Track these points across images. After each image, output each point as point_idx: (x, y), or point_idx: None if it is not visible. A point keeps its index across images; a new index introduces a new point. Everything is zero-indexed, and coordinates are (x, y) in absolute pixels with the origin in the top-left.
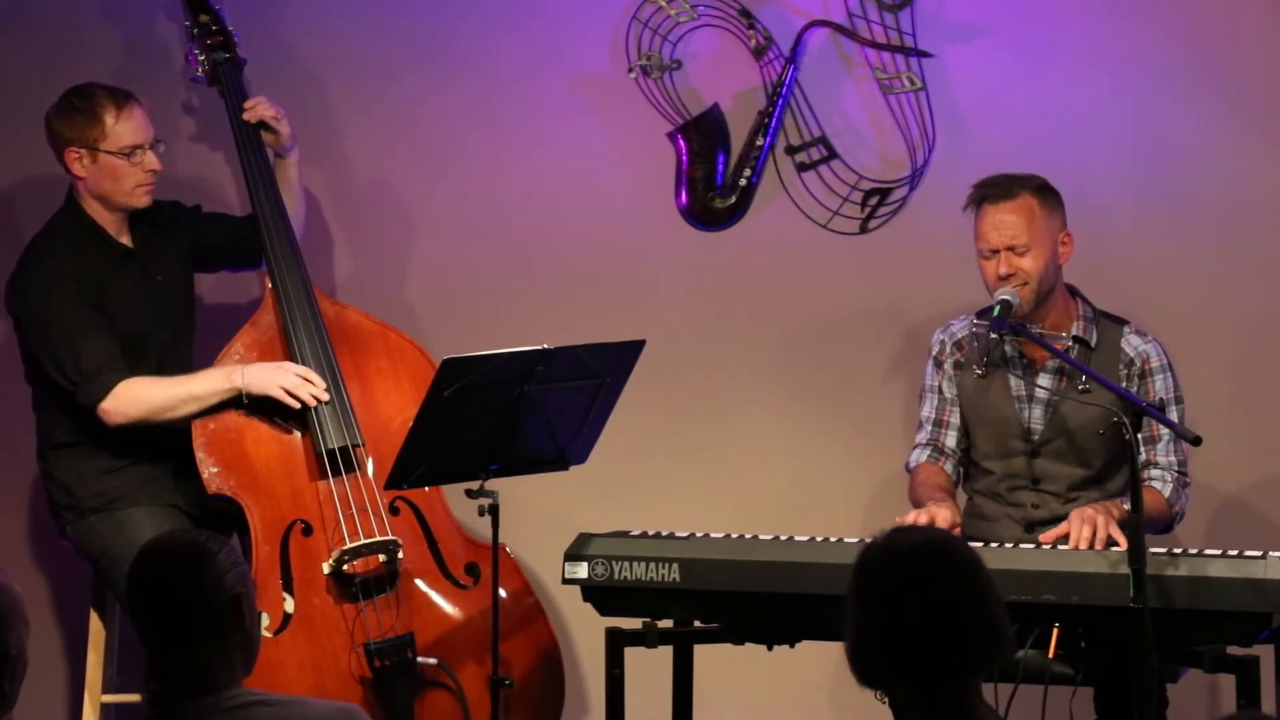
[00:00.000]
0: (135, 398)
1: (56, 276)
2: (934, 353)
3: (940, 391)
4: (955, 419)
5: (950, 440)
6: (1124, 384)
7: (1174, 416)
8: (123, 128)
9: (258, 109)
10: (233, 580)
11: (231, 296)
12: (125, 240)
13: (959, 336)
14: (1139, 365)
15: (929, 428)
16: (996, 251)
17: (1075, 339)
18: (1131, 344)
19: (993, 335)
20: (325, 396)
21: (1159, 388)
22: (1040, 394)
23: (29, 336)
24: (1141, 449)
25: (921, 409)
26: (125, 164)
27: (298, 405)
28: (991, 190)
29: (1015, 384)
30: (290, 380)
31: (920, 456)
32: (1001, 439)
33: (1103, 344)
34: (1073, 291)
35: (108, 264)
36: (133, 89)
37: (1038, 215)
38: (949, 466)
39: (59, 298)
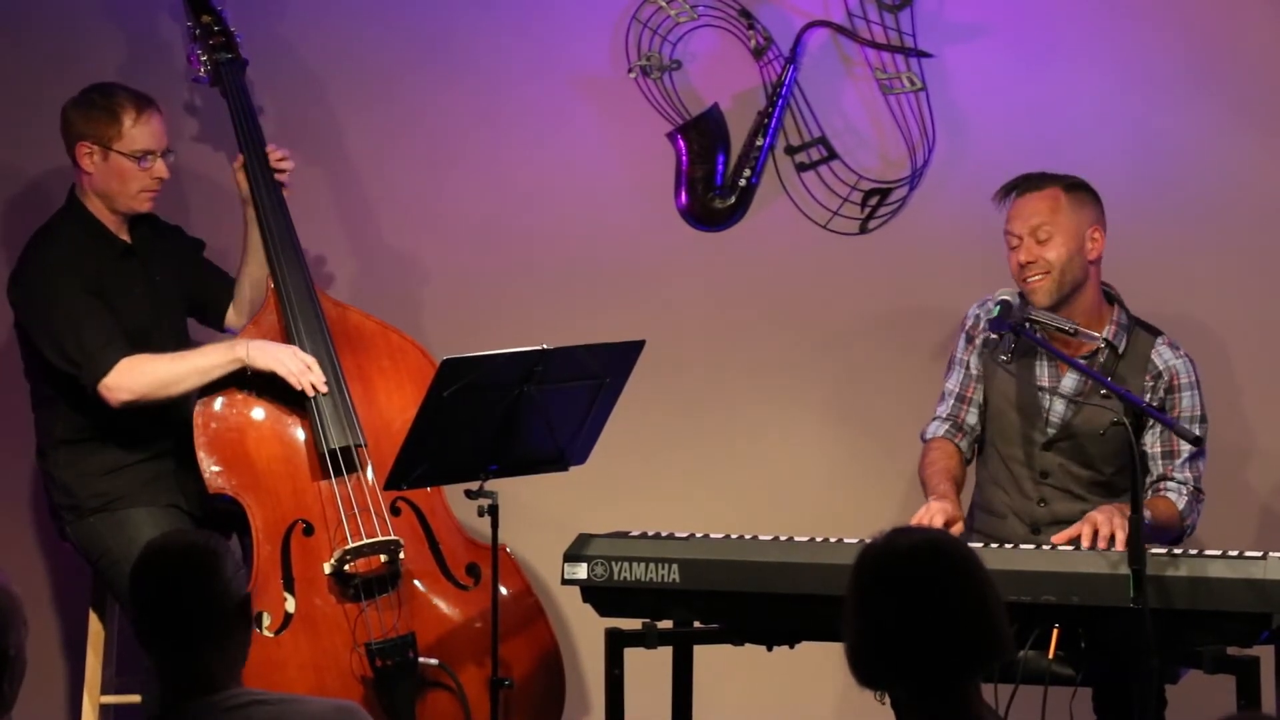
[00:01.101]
0: (139, 370)
1: (58, 266)
2: (967, 326)
3: (968, 366)
4: (978, 396)
5: (971, 418)
6: (1147, 394)
7: (1197, 435)
8: (138, 131)
9: (284, 159)
10: (239, 583)
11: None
12: (125, 238)
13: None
14: (1167, 379)
15: (951, 401)
16: (1020, 239)
17: (1106, 342)
18: (1162, 356)
19: (992, 335)
20: (324, 389)
21: (1185, 405)
22: (1065, 390)
23: (31, 326)
24: (1159, 462)
25: (947, 380)
26: (135, 167)
27: (298, 387)
28: (1021, 182)
29: (1041, 374)
30: (295, 364)
31: (938, 430)
32: (1016, 426)
33: (1131, 352)
34: (1110, 297)
35: (108, 259)
36: (135, 88)
37: (1063, 206)
38: (964, 444)
39: (61, 286)
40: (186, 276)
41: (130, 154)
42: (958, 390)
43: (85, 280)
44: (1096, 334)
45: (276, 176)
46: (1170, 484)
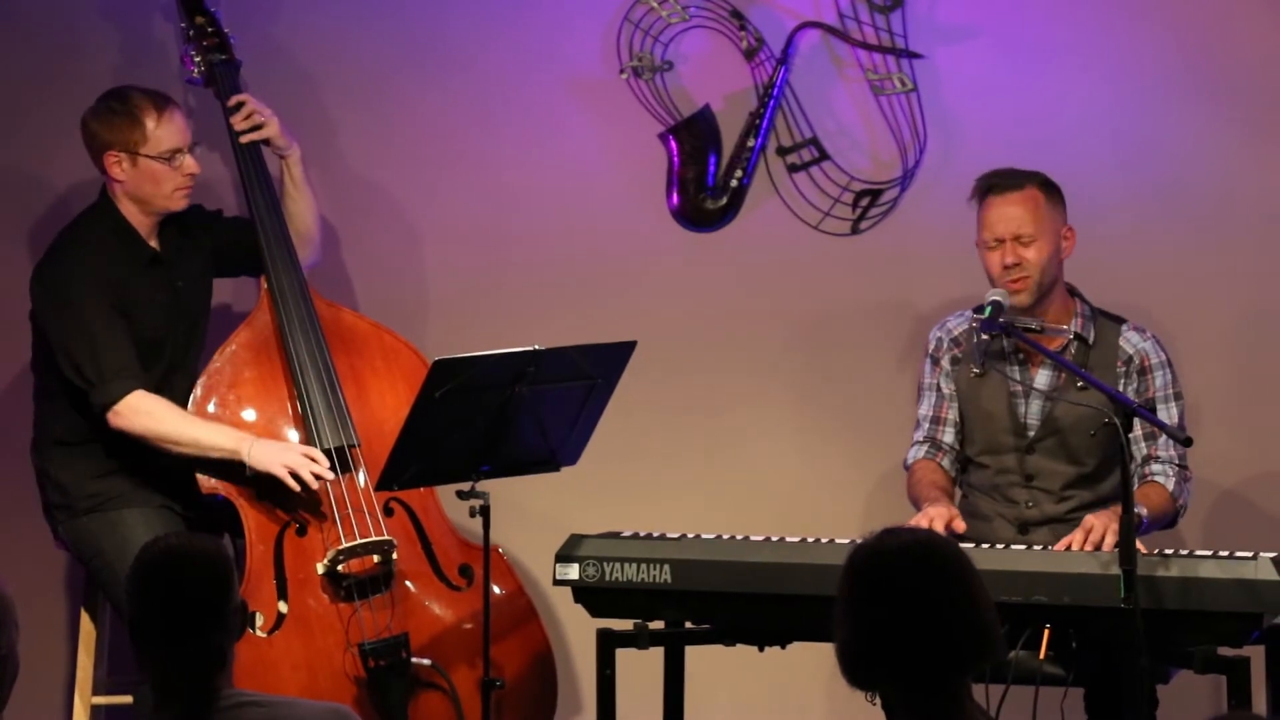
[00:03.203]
0: (146, 412)
1: (82, 273)
2: (930, 350)
3: (938, 389)
4: (953, 415)
5: (948, 437)
6: (1121, 381)
7: (1174, 413)
8: (163, 131)
9: (250, 116)
10: (238, 586)
11: (235, 302)
12: (154, 244)
13: (956, 333)
14: (1138, 362)
15: (926, 425)
16: (1001, 241)
17: (1076, 335)
18: (1130, 341)
19: (984, 335)
20: (329, 476)
21: (1158, 384)
22: (1037, 390)
23: (48, 329)
24: (1143, 444)
25: (919, 407)
26: (166, 168)
27: (297, 488)
28: (997, 181)
29: (1012, 380)
30: (294, 460)
31: (918, 454)
32: (996, 435)
33: (1101, 341)
34: (1071, 290)
35: (134, 266)
36: (148, 88)
37: (1042, 207)
38: (946, 463)
39: (83, 294)
40: (209, 278)
41: (159, 156)
42: (931, 413)
43: (109, 289)
44: (1064, 327)
45: (247, 137)
46: (1156, 465)
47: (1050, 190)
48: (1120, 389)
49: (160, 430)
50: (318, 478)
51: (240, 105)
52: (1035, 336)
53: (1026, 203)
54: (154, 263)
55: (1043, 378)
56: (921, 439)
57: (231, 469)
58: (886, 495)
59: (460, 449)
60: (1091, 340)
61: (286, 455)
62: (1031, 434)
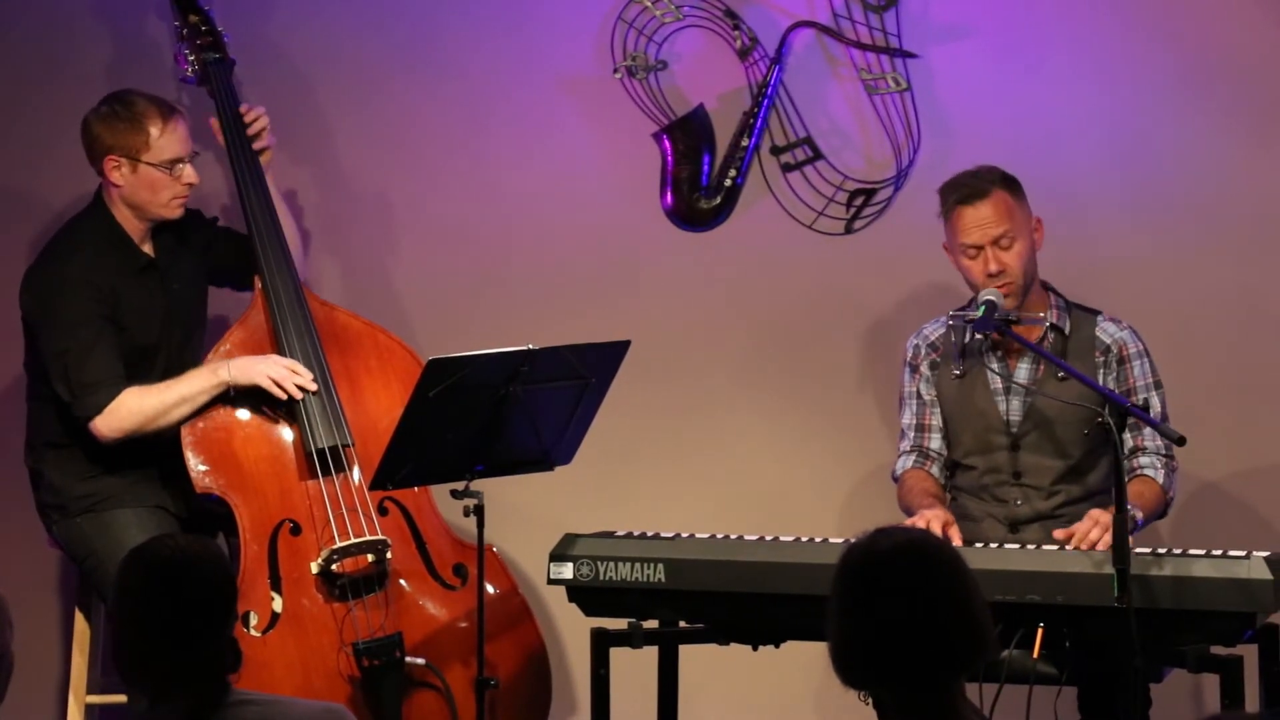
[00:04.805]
0: (127, 410)
1: (75, 281)
2: (908, 358)
3: (919, 396)
4: (936, 421)
5: (934, 444)
6: (1100, 371)
7: (1156, 402)
8: (166, 140)
9: (259, 119)
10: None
11: (228, 301)
12: (148, 249)
13: (933, 338)
14: (1116, 352)
15: (911, 434)
16: (981, 248)
17: (1051, 326)
18: (1107, 331)
19: (977, 335)
20: (313, 388)
21: (1137, 373)
22: (1020, 380)
23: (38, 335)
24: (1128, 435)
25: (902, 417)
26: (165, 176)
27: (284, 396)
28: (964, 190)
29: (993, 377)
30: (277, 371)
31: (906, 463)
32: (982, 434)
33: (1076, 332)
34: (1044, 285)
35: (128, 273)
36: (122, 88)
37: (1013, 206)
38: (935, 470)
39: (74, 304)
40: (203, 283)
41: (160, 164)
42: (915, 421)
43: (100, 297)
44: (1040, 315)
45: (258, 143)
46: (1144, 458)
47: (1013, 186)
48: (1100, 379)
49: (147, 414)
50: (302, 390)
51: (250, 110)
52: (1014, 328)
53: (998, 206)
54: (148, 269)
55: (1022, 372)
56: (908, 448)
57: (224, 461)
58: (879, 494)
59: (454, 448)
60: (1067, 330)
61: (268, 366)
62: (1015, 430)
